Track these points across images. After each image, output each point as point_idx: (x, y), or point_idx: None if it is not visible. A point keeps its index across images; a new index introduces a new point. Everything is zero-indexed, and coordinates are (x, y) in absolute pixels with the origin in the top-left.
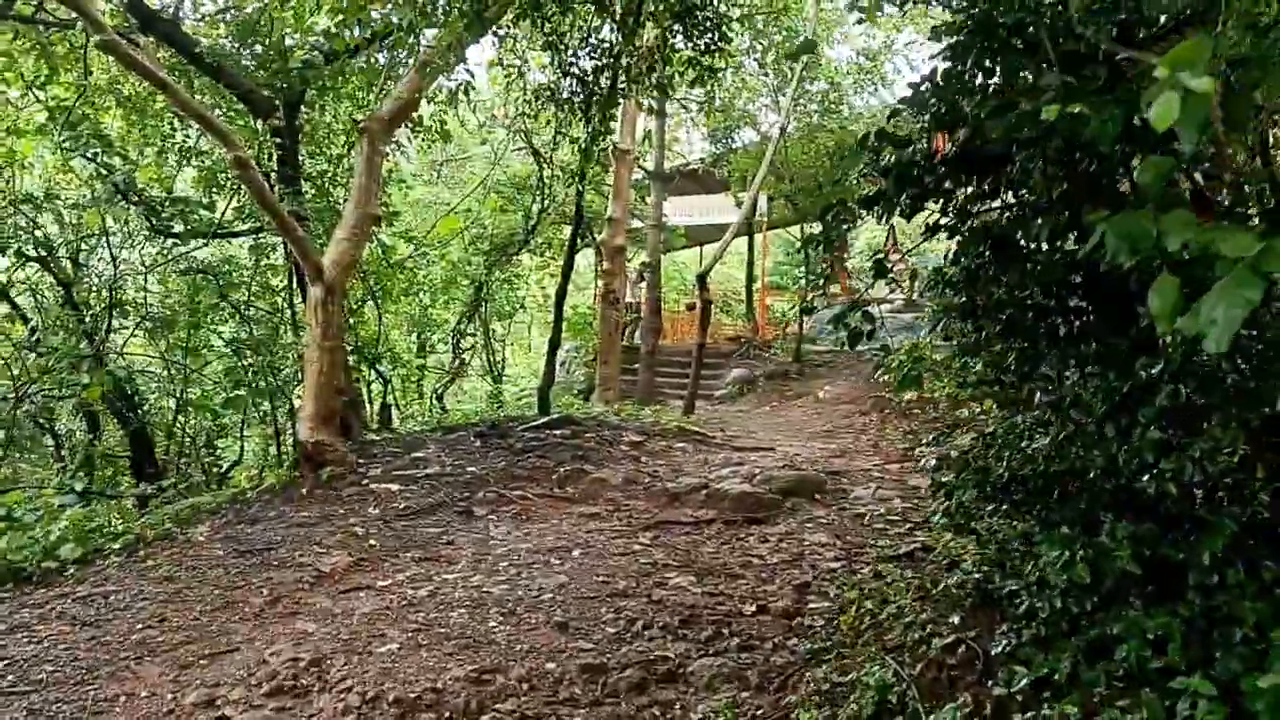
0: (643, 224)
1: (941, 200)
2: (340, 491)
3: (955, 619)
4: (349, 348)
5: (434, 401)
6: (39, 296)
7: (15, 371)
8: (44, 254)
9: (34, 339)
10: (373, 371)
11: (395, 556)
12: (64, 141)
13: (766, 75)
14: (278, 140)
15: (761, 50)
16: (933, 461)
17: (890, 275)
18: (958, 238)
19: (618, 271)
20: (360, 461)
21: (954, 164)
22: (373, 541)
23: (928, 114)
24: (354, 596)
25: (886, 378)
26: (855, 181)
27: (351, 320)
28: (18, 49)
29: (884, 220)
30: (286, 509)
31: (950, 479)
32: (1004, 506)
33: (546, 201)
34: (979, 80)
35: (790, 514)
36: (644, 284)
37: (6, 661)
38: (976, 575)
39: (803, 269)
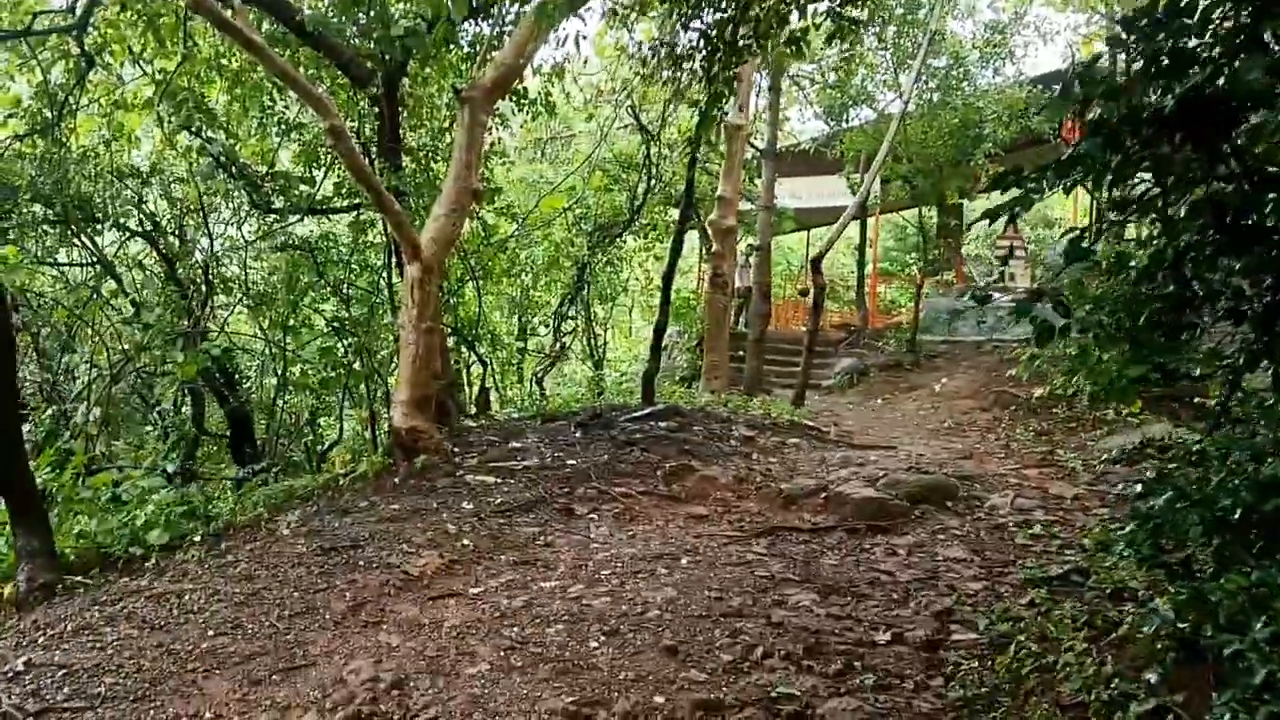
0: (752, 205)
1: (1154, 165)
2: (434, 482)
3: (1152, 676)
4: (447, 329)
5: (534, 386)
6: (146, 272)
7: (118, 348)
8: (149, 229)
9: (136, 314)
10: (472, 354)
11: (489, 559)
12: (166, 114)
13: (886, 50)
14: (377, 111)
15: (880, 23)
16: (1136, 487)
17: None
18: (1154, 216)
19: (727, 254)
20: (456, 450)
21: (1175, 120)
22: (465, 541)
23: (1139, 56)
24: (443, 605)
25: (1013, 372)
26: (980, 161)
27: (452, 300)
28: (125, 20)
29: (1097, 186)
30: (377, 500)
31: (1158, 506)
32: (1226, 547)
33: (653, 180)
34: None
35: (920, 523)
36: (750, 268)
37: (66, 670)
38: (1177, 622)
39: (914, 255)
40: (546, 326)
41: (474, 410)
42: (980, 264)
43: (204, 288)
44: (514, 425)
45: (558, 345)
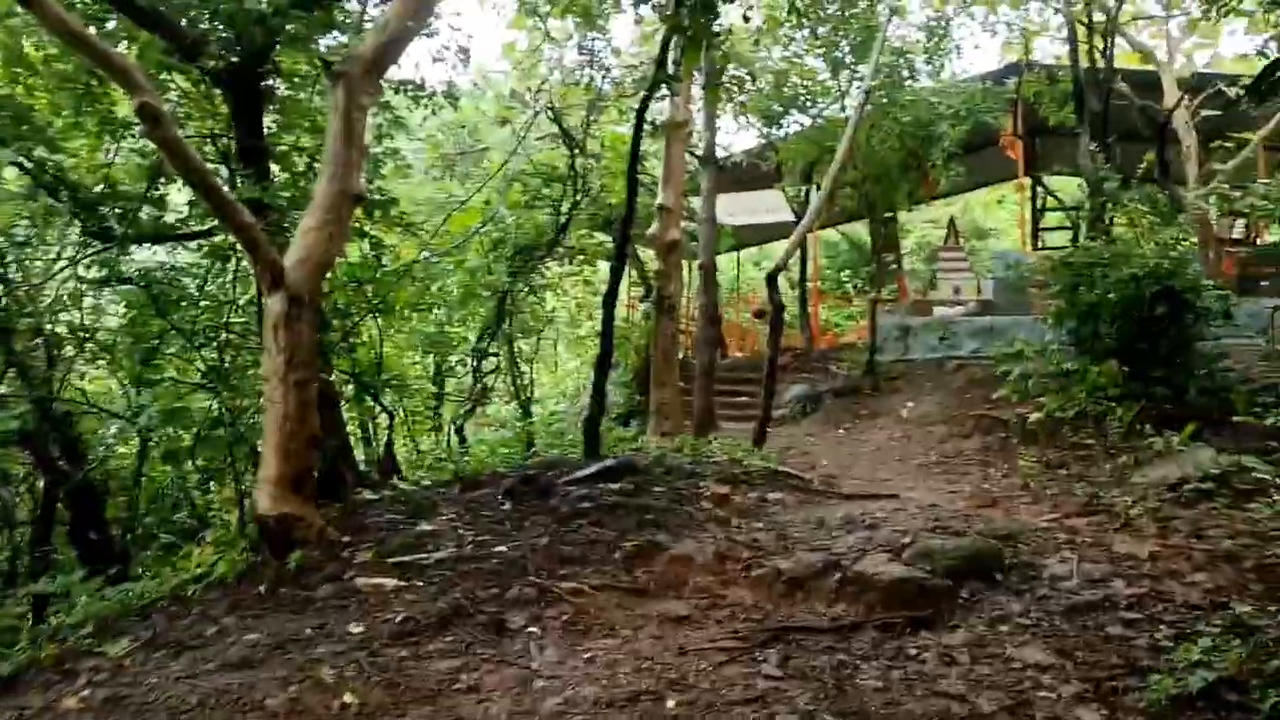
0: (692, 220)
1: None
2: (313, 590)
3: None
4: (344, 376)
5: (451, 435)
6: None
7: None
8: None
9: None
10: (376, 405)
11: (386, 715)
12: None
13: (821, 51)
14: (235, 103)
15: (816, 20)
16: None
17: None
18: None
19: (672, 272)
20: (346, 539)
21: None
22: (348, 696)
23: None
24: None
25: (999, 393)
26: (940, 163)
27: (348, 340)
28: None
29: None
30: (231, 621)
31: None
32: None
33: (579, 195)
34: None
35: (971, 609)
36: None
37: None
38: None
39: (847, 272)
40: (464, 366)
41: (375, 478)
42: (916, 279)
43: (37, 339)
44: (425, 497)
45: (478, 387)
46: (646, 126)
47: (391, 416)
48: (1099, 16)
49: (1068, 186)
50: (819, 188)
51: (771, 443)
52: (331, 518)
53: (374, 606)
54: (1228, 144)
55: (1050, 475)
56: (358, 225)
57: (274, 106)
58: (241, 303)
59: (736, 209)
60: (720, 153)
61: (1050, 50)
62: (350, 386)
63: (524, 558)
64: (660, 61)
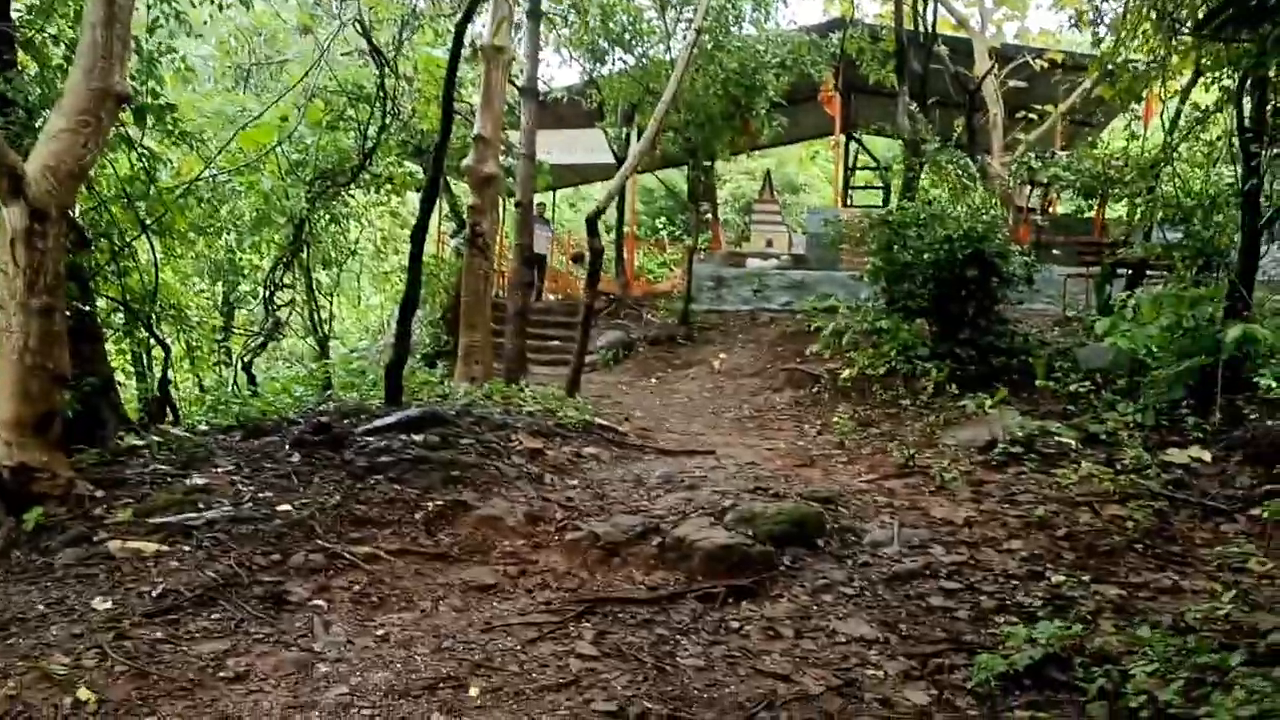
0: (510, 154)
1: None
2: (53, 556)
3: None
4: (113, 303)
5: (238, 373)
6: None
7: None
8: None
9: None
10: (150, 337)
11: (131, 715)
12: None
13: None
14: None
15: None
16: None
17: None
18: None
19: (487, 208)
20: (99, 494)
21: None
22: (83, 691)
23: None
24: None
25: (813, 348)
26: (760, 113)
27: (117, 264)
28: None
29: None
30: None
31: None
32: None
33: (388, 118)
34: None
35: (793, 578)
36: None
37: None
38: None
39: (664, 219)
40: (256, 297)
41: (141, 421)
42: (729, 230)
43: None
44: (199, 445)
45: (270, 321)
46: (465, 49)
47: (167, 350)
48: None
49: (877, 146)
50: (640, 131)
51: (584, 390)
52: (86, 467)
53: (127, 576)
54: (1032, 115)
55: (864, 433)
56: (124, 132)
57: None
58: None
59: (555, 147)
60: (541, 87)
61: (871, 10)
62: (120, 315)
63: (312, 518)
64: None
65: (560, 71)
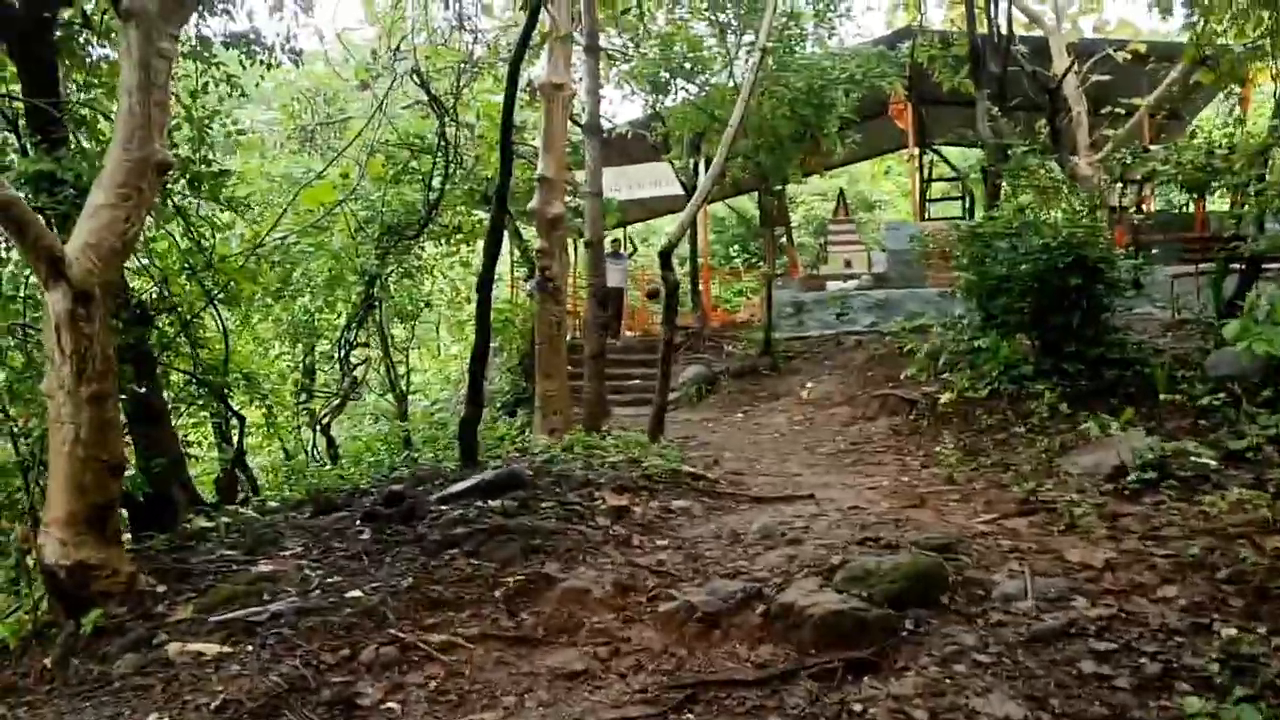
0: (577, 194)
1: None
2: (112, 662)
3: None
4: (184, 377)
5: (316, 436)
6: None
7: None
8: None
9: None
10: (225, 409)
11: None
12: None
13: (707, 17)
14: (16, 53)
15: None
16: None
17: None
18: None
19: (555, 251)
20: (162, 588)
21: None
22: None
23: None
24: None
25: (908, 373)
26: (833, 131)
27: (188, 336)
28: None
29: None
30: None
31: None
32: None
33: (452, 166)
34: None
35: (918, 644)
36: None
37: None
38: None
39: (737, 247)
40: (332, 358)
41: (215, 500)
42: (804, 252)
43: None
44: (267, 525)
45: (347, 380)
46: (523, 88)
47: (242, 421)
48: None
49: (953, 155)
50: (707, 160)
51: (669, 431)
52: (154, 554)
53: (185, 686)
54: (1119, 110)
55: (973, 464)
56: (172, 199)
57: (78, 62)
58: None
59: (622, 183)
60: (604, 124)
61: (937, 16)
62: (195, 387)
63: (383, 604)
64: (534, 7)
65: (624, 106)
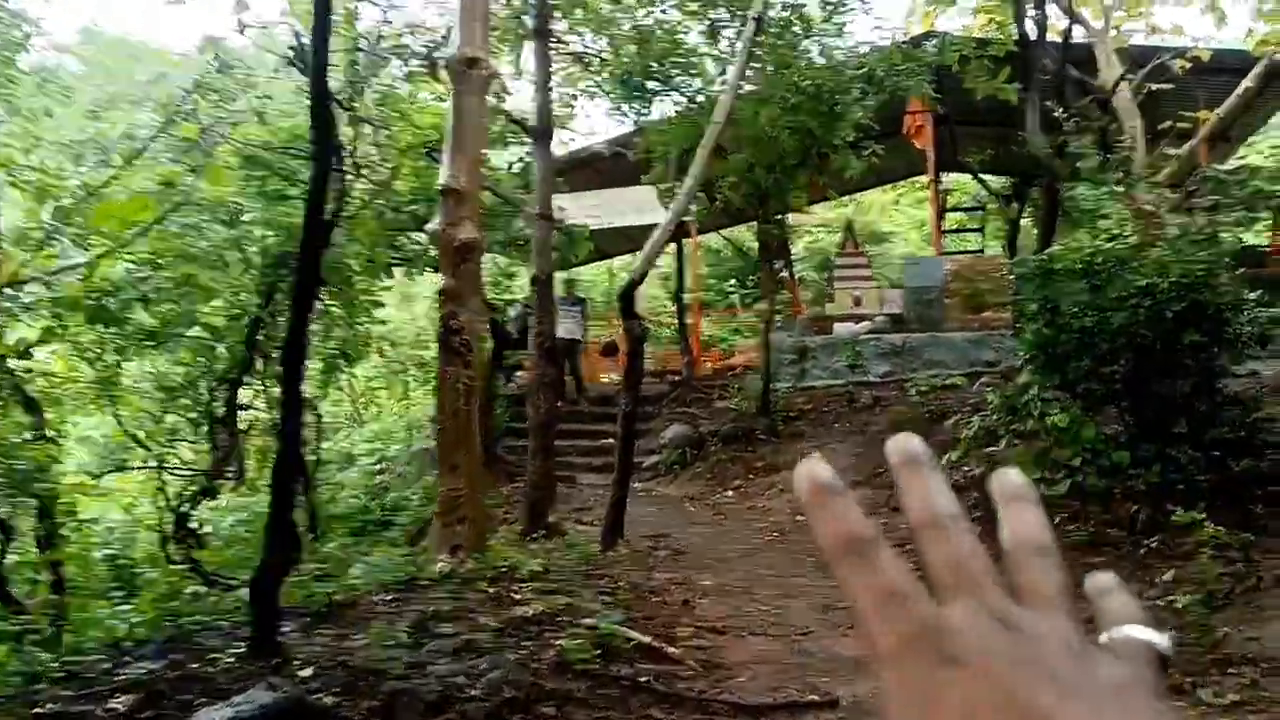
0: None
1: None
2: None
3: None
4: None
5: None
6: None
7: None
8: None
9: None
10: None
11: None
12: None
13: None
14: None
15: None
16: None
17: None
18: None
19: (466, 291)
20: None
21: None
22: None
23: None
24: None
25: (951, 457)
26: (844, 146)
27: None
28: None
29: None
30: None
31: None
32: None
33: (348, 178)
34: None
35: None
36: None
37: None
38: None
39: (733, 282)
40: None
41: None
42: (808, 289)
43: None
44: None
45: (217, 456)
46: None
47: (7, 532)
48: None
49: (968, 187)
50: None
51: (637, 516)
52: None
53: None
54: (1183, 123)
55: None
56: None
57: None
58: None
59: (600, 209)
60: (582, 142)
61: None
62: None
63: None
64: None
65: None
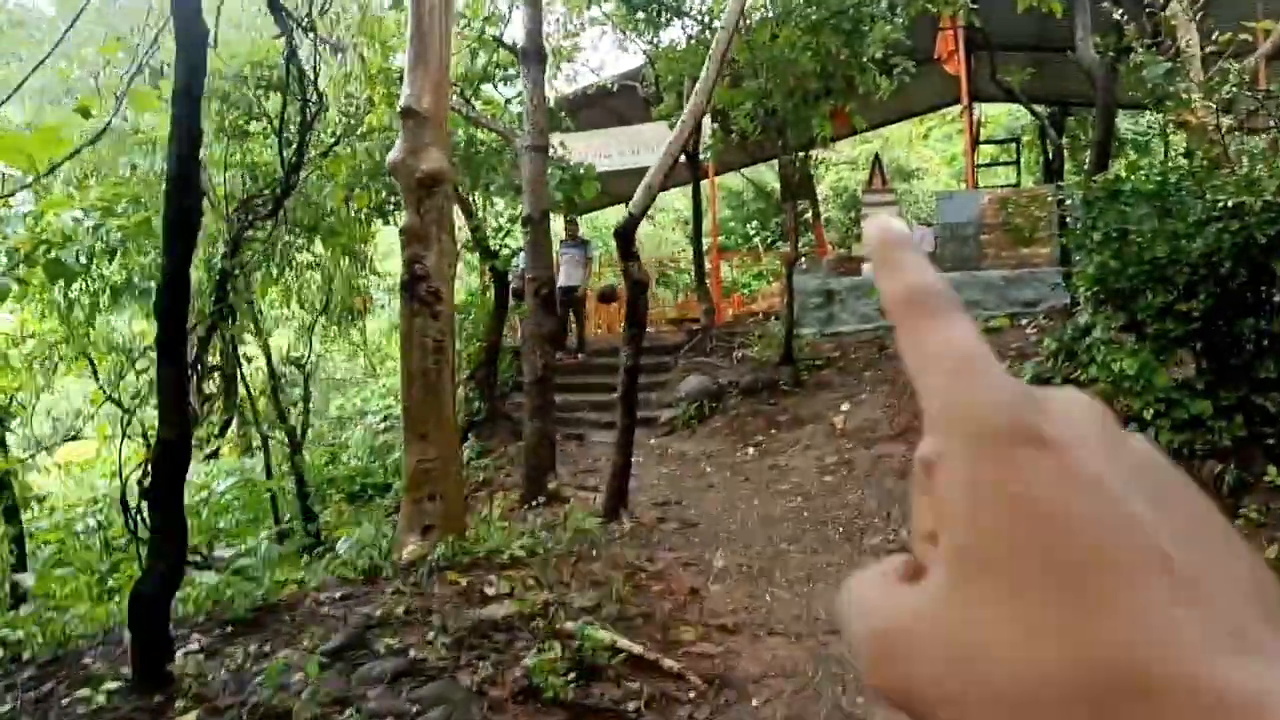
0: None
1: None
2: None
3: None
4: None
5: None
6: None
7: None
8: None
9: None
10: None
11: None
12: None
13: None
14: None
15: None
16: None
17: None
18: None
19: (432, 230)
20: None
21: None
22: None
23: None
24: None
25: None
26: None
27: None
28: None
29: None
30: None
31: None
32: None
33: (312, 108)
34: None
35: None
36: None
37: None
38: None
39: (755, 223)
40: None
41: None
42: (833, 230)
43: None
44: None
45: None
46: None
47: None
48: None
49: (999, 118)
50: (713, 118)
51: (646, 479)
52: None
53: None
54: (1245, 34)
55: None
56: None
57: None
58: None
59: (612, 147)
60: (590, 77)
61: None
62: None
63: None
64: None
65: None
